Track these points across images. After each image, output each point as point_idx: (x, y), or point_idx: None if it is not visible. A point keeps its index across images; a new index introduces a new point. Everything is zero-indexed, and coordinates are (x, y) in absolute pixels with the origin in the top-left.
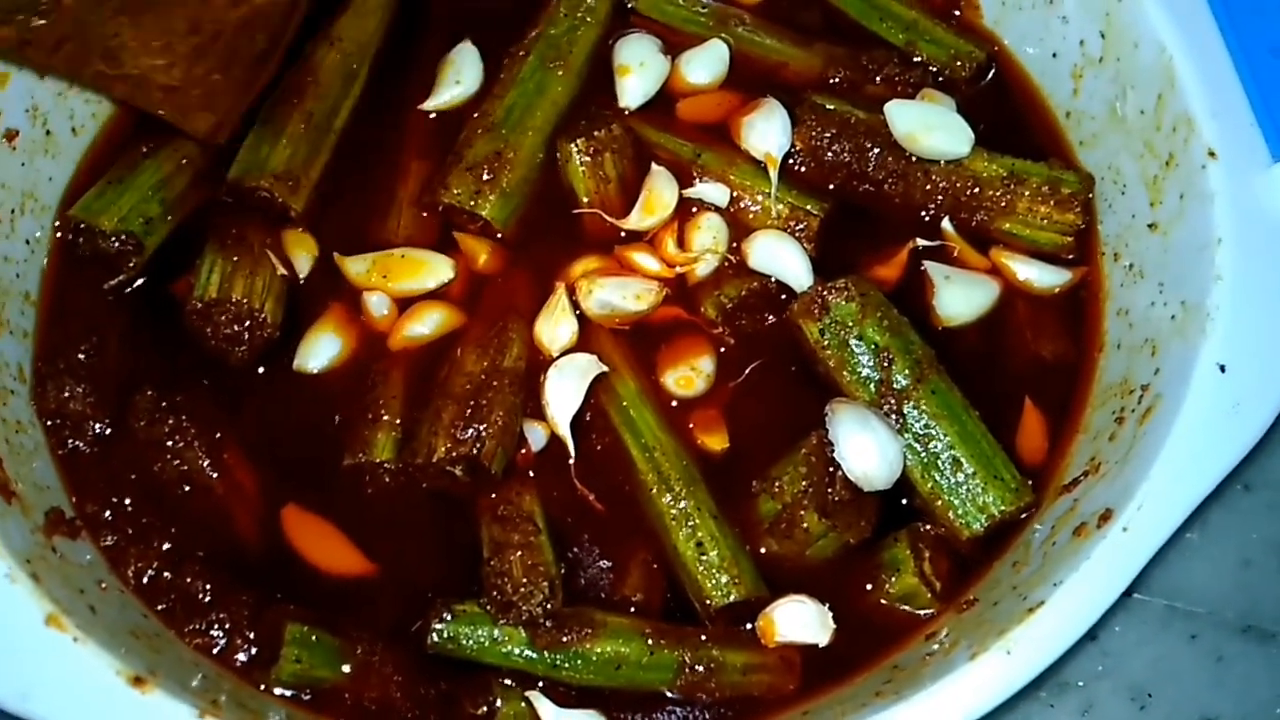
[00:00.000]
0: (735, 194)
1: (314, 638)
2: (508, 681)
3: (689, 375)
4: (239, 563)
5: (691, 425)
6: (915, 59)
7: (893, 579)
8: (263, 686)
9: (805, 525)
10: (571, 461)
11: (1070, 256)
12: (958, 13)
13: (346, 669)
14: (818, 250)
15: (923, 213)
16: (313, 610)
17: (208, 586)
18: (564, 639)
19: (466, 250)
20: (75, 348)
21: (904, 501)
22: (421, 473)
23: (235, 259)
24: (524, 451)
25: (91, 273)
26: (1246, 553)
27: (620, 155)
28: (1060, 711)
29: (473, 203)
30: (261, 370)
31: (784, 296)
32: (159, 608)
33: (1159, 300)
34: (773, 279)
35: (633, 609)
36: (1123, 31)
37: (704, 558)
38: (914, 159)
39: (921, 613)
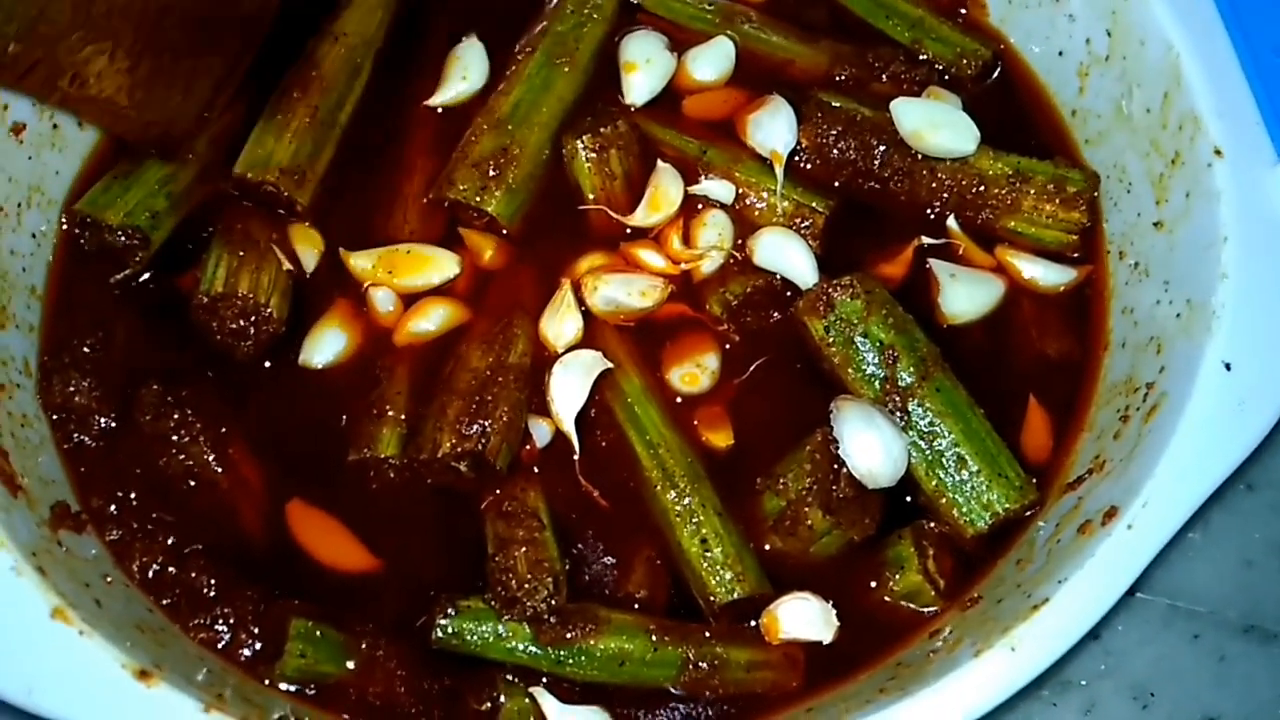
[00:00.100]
0: (741, 191)
1: (319, 633)
2: (512, 677)
3: (694, 372)
4: (244, 557)
5: (696, 422)
6: (921, 57)
7: (897, 576)
8: (267, 681)
9: (809, 522)
10: (576, 458)
11: (1075, 255)
12: (964, 10)
13: (351, 664)
14: (823, 247)
15: (928, 210)
16: (317, 605)
17: (213, 581)
18: (568, 635)
19: (472, 246)
20: (81, 342)
21: (908, 499)
22: (426, 468)
23: (241, 254)
24: (529, 448)
25: (97, 267)
26: (1249, 553)
27: (626, 152)
28: (1063, 710)
29: (478, 199)
30: (267, 365)
31: (789, 294)
32: (164, 602)
33: (1164, 298)
34: (778, 276)
35: (637, 605)
36: (1129, 30)
37: (708, 554)
38: (920, 157)
39: (925, 610)
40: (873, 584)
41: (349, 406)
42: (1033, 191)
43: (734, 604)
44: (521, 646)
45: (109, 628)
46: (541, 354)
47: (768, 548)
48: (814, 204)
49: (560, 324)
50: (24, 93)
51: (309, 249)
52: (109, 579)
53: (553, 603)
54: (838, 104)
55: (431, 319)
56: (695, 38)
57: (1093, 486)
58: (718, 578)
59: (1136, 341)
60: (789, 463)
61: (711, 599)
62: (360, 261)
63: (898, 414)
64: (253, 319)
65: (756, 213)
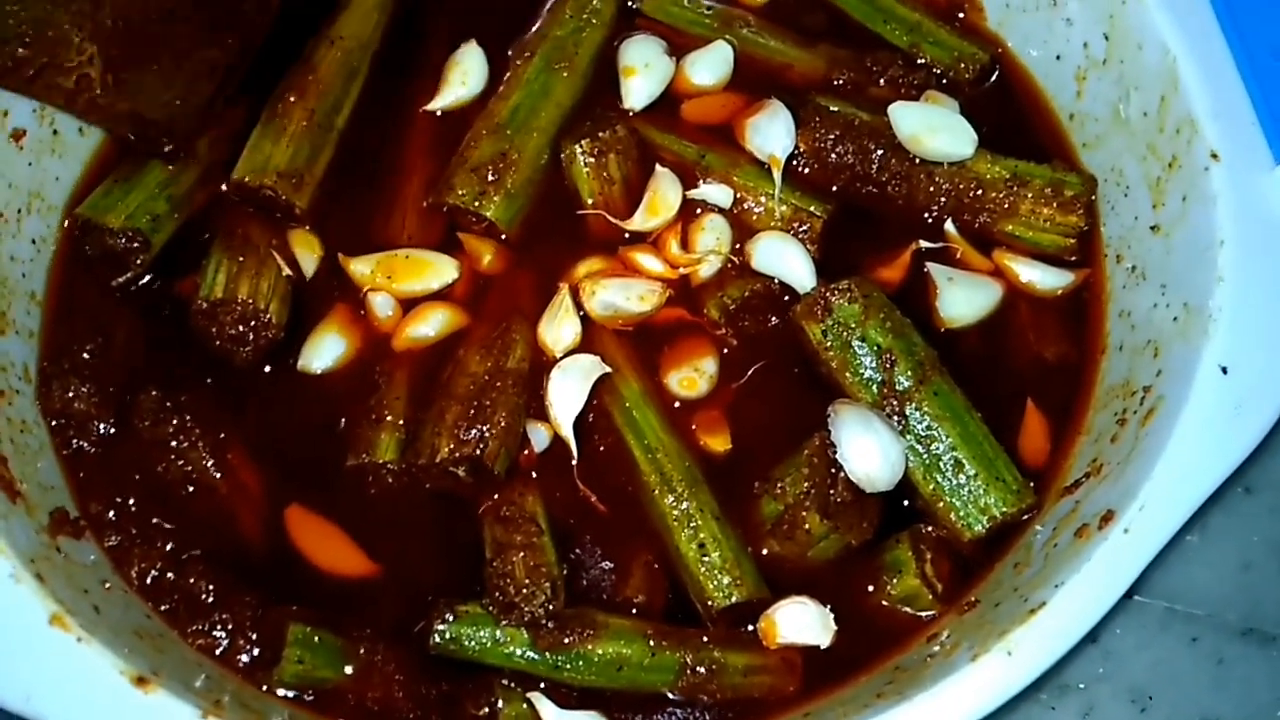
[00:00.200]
0: (739, 195)
1: (317, 638)
2: (510, 682)
3: (692, 376)
4: (242, 563)
5: (694, 426)
6: (919, 61)
7: (894, 580)
8: (265, 687)
9: (807, 527)
10: (574, 462)
11: (1073, 258)
12: (961, 15)
13: (349, 669)
14: (821, 252)
15: (926, 214)
16: (316, 611)
17: (211, 587)
18: (566, 640)
19: (471, 251)
20: (80, 348)
21: (906, 503)
22: (425, 473)
23: (241, 259)
24: (527, 452)
25: (97, 272)
26: (1247, 555)
27: (624, 156)
28: (1061, 713)
29: (477, 203)
30: (266, 370)
31: (787, 298)
32: (162, 608)
33: (1161, 302)
34: (776, 280)
35: (635, 610)
36: (1126, 34)
37: (706, 559)
38: (917, 161)
39: (923, 614)
40: (870, 588)
41: (347, 411)
42: (1030, 195)
43: (732, 608)
44: (519, 651)
45: (107, 634)
46: (540, 359)
47: (765, 552)
48: (812, 208)
49: (558, 329)
50: (30, 96)
51: (308, 254)
52: (107, 585)
53: (550, 607)
54: (836, 108)
55: (430, 324)
56: (694, 42)
57: (1090, 490)
58: (715, 582)
59: (1134, 345)
60: (787, 467)
61: (709, 603)
62: (359, 266)
63: (895, 418)
64: (252, 324)
65: (754, 217)
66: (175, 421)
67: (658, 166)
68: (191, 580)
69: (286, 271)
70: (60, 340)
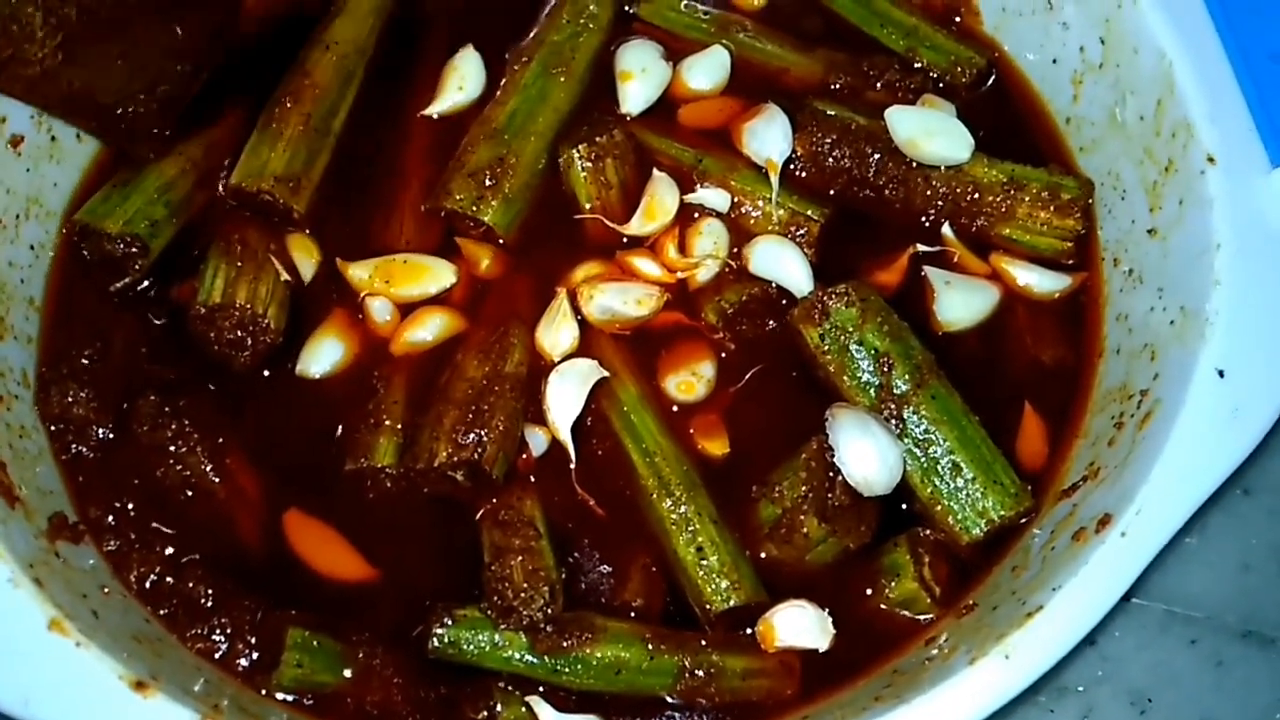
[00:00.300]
0: (736, 199)
1: (315, 642)
2: (508, 686)
3: (690, 380)
4: (241, 567)
5: (692, 430)
6: (916, 65)
7: (892, 584)
8: (264, 691)
9: (805, 530)
10: (572, 466)
11: (1070, 262)
12: (958, 19)
13: (348, 673)
14: (818, 255)
15: (923, 218)
16: (314, 615)
17: (210, 591)
18: (564, 644)
19: (468, 256)
20: (79, 353)
21: (904, 506)
22: (423, 477)
23: (239, 264)
24: (525, 456)
25: (96, 278)
26: (1246, 557)
27: (622, 161)
28: (1060, 716)
29: (475, 208)
30: (264, 375)
31: (784, 302)
32: (161, 612)
33: (1158, 305)
34: (773, 284)
35: (633, 614)
36: (1122, 38)
37: (704, 563)
38: (914, 164)
39: (921, 618)
40: (868, 591)
41: (346, 416)
42: (1027, 199)
43: (730, 612)
44: (518, 655)
45: (106, 638)
46: (538, 363)
47: (763, 555)
48: (809, 212)
49: (556, 333)
50: (23, 101)
51: (306, 259)
52: (106, 590)
53: (549, 611)
54: (833, 112)
55: (428, 328)
56: (691, 47)
57: (1087, 493)
58: (713, 586)
59: (1131, 348)
60: (785, 470)
61: (707, 607)
62: (357, 271)
63: (893, 421)
64: (250, 329)
65: (752, 221)
66: (174, 426)
67: (655, 171)
68: (190, 585)
69: (285, 276)
70: (59, 345)
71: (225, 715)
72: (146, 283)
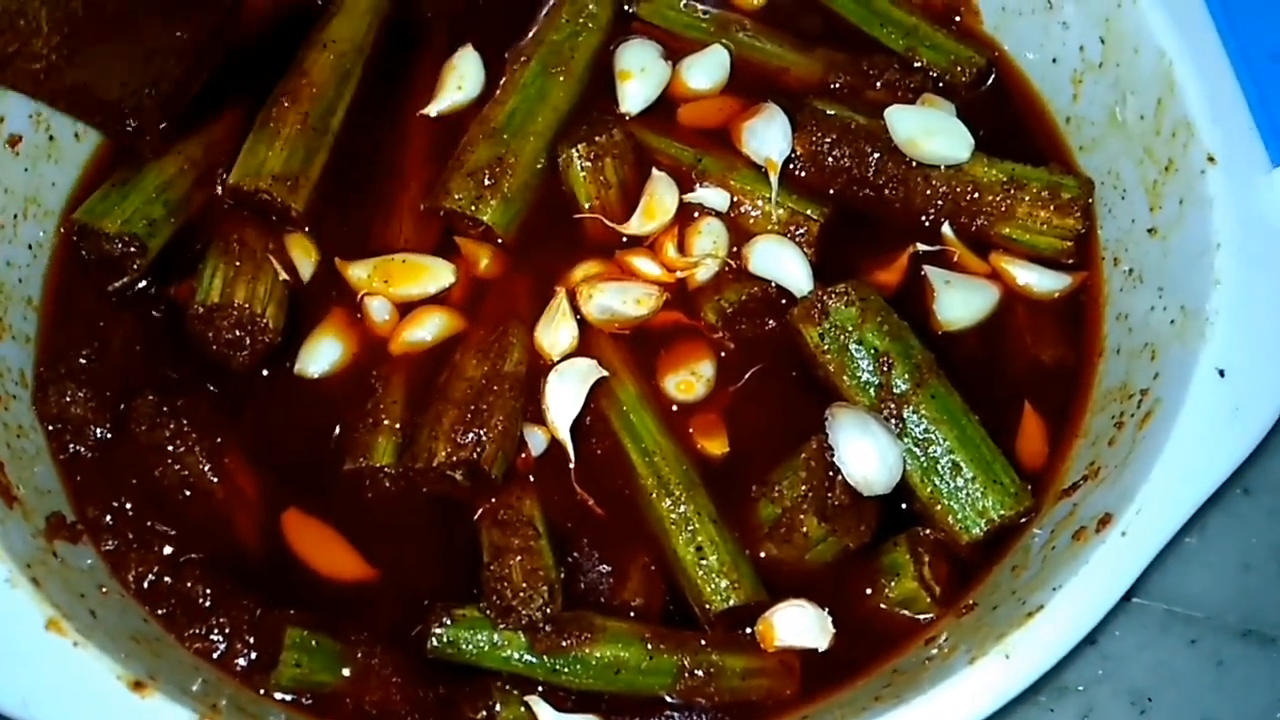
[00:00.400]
0: (736, 199)
1: (314, 642)
2: (507, 685)
3: (689, 380)
4: (239, 567)
5: (691, 430)
6: (916, 64)
7: (892, 583)
8: (263, 691)
9: (805, 530)
10: (571, 466)
11: (1070, 261)
12: (958, 18)
13: (346, 673)
14: (818, 255)
15: (923, 217)
16: (313, 614)
17: (208, 591)
18: (563, 643)
19: (467, 255)
20: (77, 352)
21: (903, 506)
22: (422, 477)
23: (237, 264)
24: (524, 456)
25: (94, 277)
26: (1246, 557)
27: (621, 160)
28: (1060, 716)
29: (474, 208)
30: (263, 375)
31: (784, 301)
32: (159, 612)
33: (1158, 305)
34: (773, 284)
35: (632, 613)
36: (1122, 37)
37: (703, 562)
38: (914, 164)
39: (921, 617)
40: (868, 591)
41: (344, 416)
42: (1027, 198)
43: (729, 611)
44: (517, 655)
45: (104, 638)
46: (537, 362)
47: (763, 555)
48: (809, 211)
49: (555, 332)
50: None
51: (305, 258)
52: (104, 589)
53: (548, 611)
54: (832, 111)
55: (427, 328)
56: (690, 46)
57: (1087, 493)
58: (713, 585)
59: (1131, 348)
60: (784, 470)
61: (707, 606)
62: (356, 271)
63: (893, 421)
64: (248, 329)
65: (751, 220)
66: (172, 426)
67: (654, 170)
68: (189, 584)
69: (283, 276)
70: (57, 345)
71: (223, 715)
72: (145, 282)
